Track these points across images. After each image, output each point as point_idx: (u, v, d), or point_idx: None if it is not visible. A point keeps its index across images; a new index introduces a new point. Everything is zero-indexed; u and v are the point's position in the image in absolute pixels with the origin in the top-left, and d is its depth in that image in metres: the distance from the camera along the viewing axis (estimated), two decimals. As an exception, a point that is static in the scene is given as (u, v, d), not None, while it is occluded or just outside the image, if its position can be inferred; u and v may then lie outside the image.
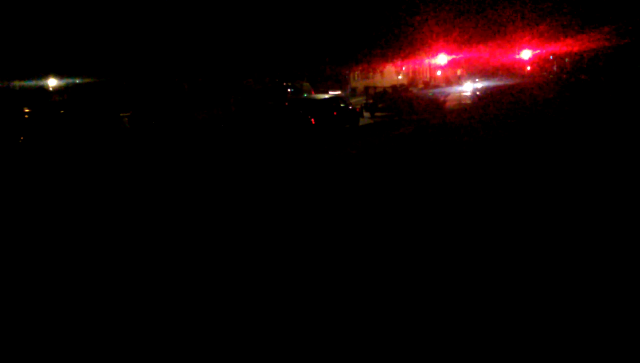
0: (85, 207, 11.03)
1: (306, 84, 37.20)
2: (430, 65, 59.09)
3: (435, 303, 5.97)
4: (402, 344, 5.19)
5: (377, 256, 7.47)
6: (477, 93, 34.08)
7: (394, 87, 40.39)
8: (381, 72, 56.65)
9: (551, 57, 45.51)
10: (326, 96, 25.97)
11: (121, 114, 24.21)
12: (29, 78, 30.55)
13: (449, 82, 48.95)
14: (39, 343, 5.48)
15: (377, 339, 5.29)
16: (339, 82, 44.21)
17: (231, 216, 9.90)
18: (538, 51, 43.52)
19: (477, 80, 38.97)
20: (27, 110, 21.50)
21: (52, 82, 34.26)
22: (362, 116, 29.27)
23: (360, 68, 50.13)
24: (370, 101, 33.63)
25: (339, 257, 7.48)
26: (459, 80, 50.58)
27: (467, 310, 5.78)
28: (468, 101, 35.49)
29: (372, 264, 7.22)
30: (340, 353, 5.09)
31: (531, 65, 46.94)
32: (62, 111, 21.95)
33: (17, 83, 30.24)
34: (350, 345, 5.20)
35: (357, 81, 54.41)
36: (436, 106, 32.73)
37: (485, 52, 42.11)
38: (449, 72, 58.77)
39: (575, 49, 37.82)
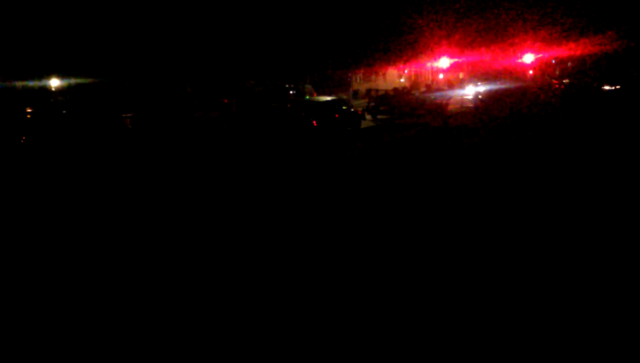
0: (87, 207, 11.02)
1: (308, 86, 37.21)
2: (432, 68, 59.13)
3: (432, 304, 5.95)
4: (402, 343, 5.17)
5: (372, 258, 7.45)
6: (479, 97, 34.05)
7: (396, 90, 40.35)
8: (383, 75, 56.77)
9: (553, 61, 45.54)
10: (328, 98, 25.95)
11: (123, 115, 24.20)
12: (31, 78, 30.60)
13: (451, 85, 48.92)
14: (39, 343, 5.46)
15: (377, 339, 5.26)
16: (341, 84, 44.23)
17: (231, 217, 9.88)
18: (540, 55, 43.55)
19: (479, 83, 38.93)
20: (29, 110, 21.51)
21: (54, 83, 34.30)
22: (364, 119, 29.26)
23: (362, 71, 50.22)
24: (372, 103, 33.62)
25: (334, 258, 7.46)
26: (461, 83, 50.54)
27: (467, 309, 5.76)
28: (470, 105, 35.44)
29: (367, 265, 7.20)
30: (340, 353, 5.07)
31: (533, 69, 46.96)
32: (64, 112, 21.96)
33: (19, 83, 30.28)
34: (349, 345, 5.17)
35: (360, 83, 54.46)
36: (438, 109, 32.68)
37: (488, 56, 42.16)
38: (451, 75, 58.78)
39: (578, 53, 37.83)
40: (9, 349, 5.39)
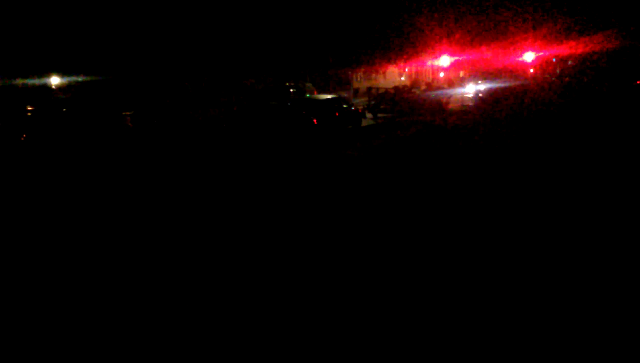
0: (87, 205, 11.03)
1: (309, 85, 37.21)
2: (433, 66, 59.08)
3: (434, 303, 5.95)
4: (402, 344, 5.18)
5: (374, 258, 7.45)
6: (480, 95, 34.05)
7: (396, 88, 40.33)
8: (384, 73, 56.63)
9: (554, 59, 45.46)
10: (328, 97, 25.94)
11: (124, 113, 24.18)
12: (32, 76, 30.56)
13: (451, 83, 48.90)
14: (39, 343, 5.47)
15: (377, 339, 5.27)
16: (342, 83, 44.14)
17: (231, 216, 9.89)
18: (541, 53, 43.48)
19: (479, 82, 38.94)
20: (29, 108, 21.50)
21: (54, 80, 34.28)
22: (365, 117, 29.26)
23: (363, 69, 50.07)
24: (373, 102, 33.61)
25: (336, 258, 7.47)
26: (461, 82, 50.51)
27: (467, 309, 5.76)
28: (471, 103, 35.44)
29: (368, 265, 7.21)
30: (340, 353, 5.08)
31: (534, 67, 46.90)
32: (64, 110, 21.95)
33: (19, 81, 30.24)
34: (349, 345, 5.18)
35: (360, 81, 54.37)
36: (439, 107, 32.70)
37: (488, 54, 42.10)
38: (452, 73, 58.74)
39: (579, 51, 37.77)
40: (9, 349, 5.40)
